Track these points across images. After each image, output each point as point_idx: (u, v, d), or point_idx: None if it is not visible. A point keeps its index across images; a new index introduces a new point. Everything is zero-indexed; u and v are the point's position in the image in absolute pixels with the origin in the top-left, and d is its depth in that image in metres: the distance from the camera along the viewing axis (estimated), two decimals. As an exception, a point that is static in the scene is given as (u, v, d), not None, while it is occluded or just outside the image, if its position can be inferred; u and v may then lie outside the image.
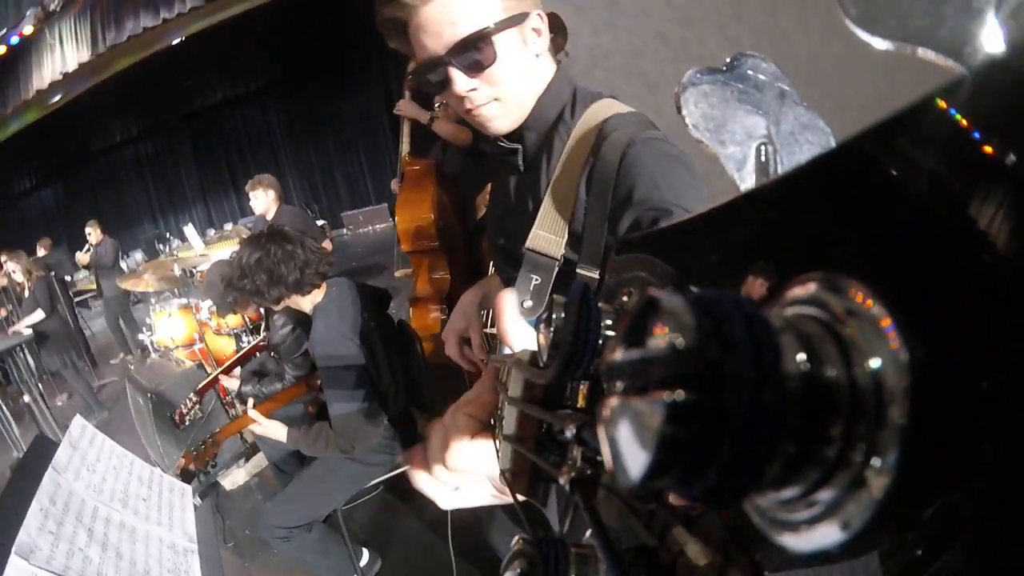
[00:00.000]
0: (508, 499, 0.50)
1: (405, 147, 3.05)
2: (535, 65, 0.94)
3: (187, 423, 2.61)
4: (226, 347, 3.99)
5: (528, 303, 0.91)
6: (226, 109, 13.76)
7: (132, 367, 6.07)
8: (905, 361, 0.14)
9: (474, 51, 0.85)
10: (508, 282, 1.04)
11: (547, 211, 0.92)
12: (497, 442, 0.41)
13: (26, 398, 4.77)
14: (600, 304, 0.27)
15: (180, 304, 4.59)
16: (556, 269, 0.91)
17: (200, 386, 2.68)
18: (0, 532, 0.95)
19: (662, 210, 0.79)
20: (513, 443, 0.38)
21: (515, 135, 0.98)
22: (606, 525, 0.24)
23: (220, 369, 2.72)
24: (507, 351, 0.48)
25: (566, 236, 0.90)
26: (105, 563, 1.03)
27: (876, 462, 0.14)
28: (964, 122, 0.14)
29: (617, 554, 0.22)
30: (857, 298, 0.16)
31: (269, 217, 4.05)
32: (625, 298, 0.29)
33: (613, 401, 0.18)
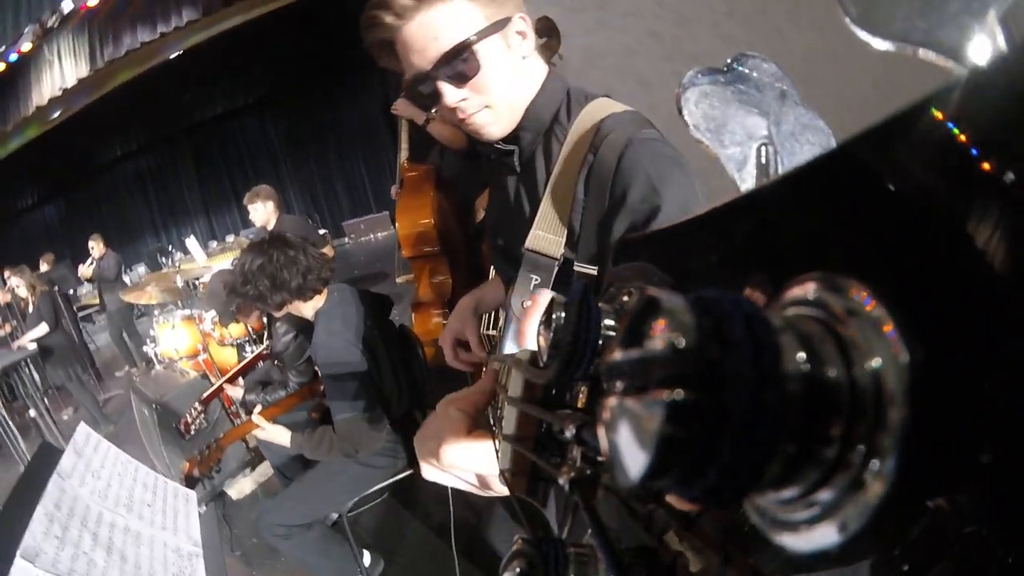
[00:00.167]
0: (491, 492, 0.52)
1: (404, 153, 3.06)
2: (523, 68, 0.94)
3: (192, 433, 2.61)
4: (230, 357, 4.00)
5: (528, 303, 0.91)
6: (226, 121, 13.81)
7: (137, 379, 6.08)
8: (905, 362, 0.14)
9: (459, 62, 0.86)
10: (508, 283, 1.04)
11: (546, 211, 0.92)
12: (497, 442, 0.41)
13: (32, 412, 4.79)
14: (600, 304, 0.26)
15: (183, 315, 4.60)
16: (556, 269, 0.91)
17: (205, 396, 2.69)
18: (6, 536, 0.96)
19: (656, 210, 0.80)
20: (513, 443, 0.38)
21: (511, 137, 0.98)
22: (606, 525, 0.24)
23: (224, 378, 2.72)
24: (507, 351, 0.48)
25: (565, 236, 0.90)
26: (110, 567, 1.04)
27: (875, 463, 0.14)
28: (962, 137, 0.14)
29: (617, 554, 0.22)
30: (857, 298, 0.15)
31: (270, 228, 4.05)
32: (625, 298, 0.29)
33: (613, 401, 0.18)
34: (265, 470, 3.42)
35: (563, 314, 0.28)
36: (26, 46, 9.04)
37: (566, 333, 0.26)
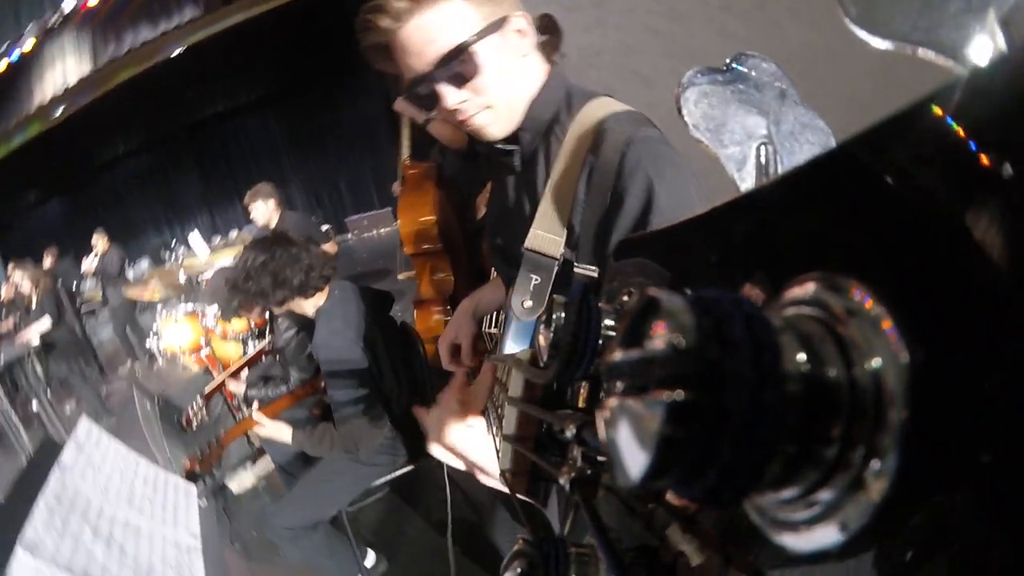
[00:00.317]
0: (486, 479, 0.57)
1: (405, 151, 3.06)
2: (523, 67, 0.93)
3: (194, 427, 2.62)
4: (232, 352, 4.00)
5: (528, 303, 0.90)
6: (228, 118, 13.81)
7: (139, 373, 6.09)
8: (905, 361, 0.14)
9: (457, 64, 0.86)
10: (508, 282, 1.04)
11: (545, 211, 0.92)
12: (497, 442, 0.41)
13: (35, 405, 4.80)
14: (600, 304, 0.26)
15: (186, 310, 4.60)
16: (556, 269, 0.90)
17: (207, 390, 2.69)
18: (7, 527, 0.97)
19: (652, 210, 0.80)
20: (513, 443, 0.38)
21: (511, 136, 0.97)
22: (606, 525, 0.24)
23: (226, 373, 2.73)
24: (507, 351, 0.48)
25: (564, 236, 0.90)
26: (109, 559, 1.05)
27: (876, 463, 0.14)
28: (961, 132, 0.14)
29: (617, 554, 0.22)
30: (857, 298, 0.15)
31: (272, 226, 4.05)
32: (625, 298, 0.29)
33: (613, 401, 0.18)
34: (266, 464, 3.43)
35: (563, 314, 0.28)
36: (28, 45, 9.05)
37: (566, 333, 0.26)
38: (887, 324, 0.15)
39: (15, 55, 9.15)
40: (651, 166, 0.82)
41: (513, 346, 0.93)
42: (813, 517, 0.15)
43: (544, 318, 0.30)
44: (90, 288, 9.51)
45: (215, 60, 10.49)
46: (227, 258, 4.94)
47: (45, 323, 5.31)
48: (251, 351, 3.06)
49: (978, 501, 0.13)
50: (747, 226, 0.23)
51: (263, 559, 2.72)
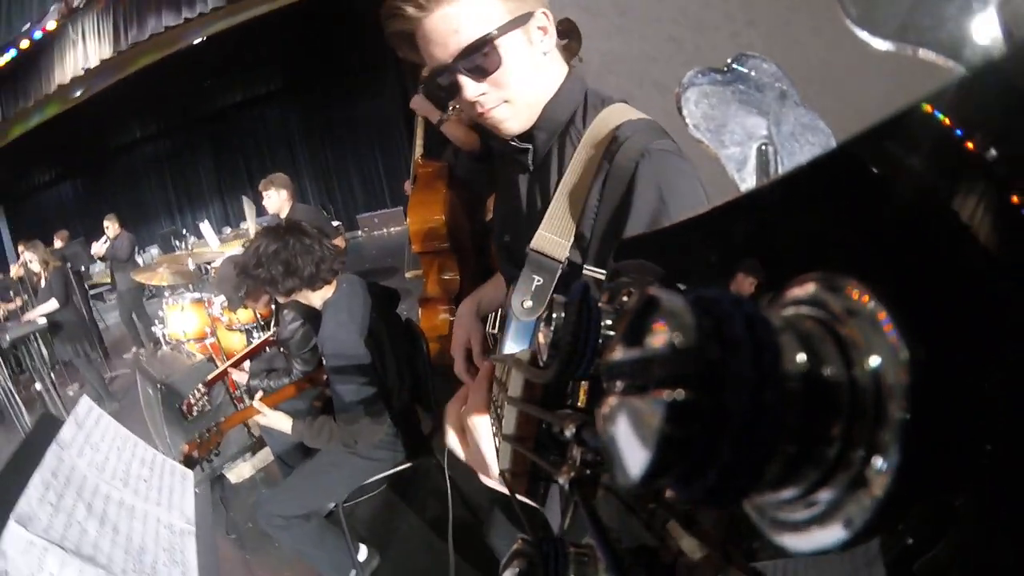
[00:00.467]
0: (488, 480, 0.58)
1: (418, 149, 3.08)
2: (544, 64, 0.94)
3: (195, 414, 2.63)
4: (237, 342, 4.02)
5: (528, 303, 0.91)
6: (245, 109, 13.91)
7: (144, 359, 6.13)
8: (905, 360, 0.14)
9: (480, 56, 0.86)
10: (511, 281, 1.04)
11: (555, 213, 0.92)
12: (497, 441, 0.41)
13: (38, 386, 4.84)
14: (600, 304, 0.26)
15: (193, 298, 4.63)
16: (559, 271, 0.91)
17: (209, 378, 2.71)
18: (1, 499, 0.97)
19: (661, 223, 0.80)
20: (513, 443, 0.38)
21: (526, 135, 0.98)
22: (606, 525, 0.24)
23: (230, 363, 2.74)
24: (507, 351, 0.48)
25: (572, 239, 0.90)
26: (102, 537, 1.05)
27: (877, 462, 0.14)
28: (947, 121, 0.14)
29: (617, 554, 0.22)
30: (856, 298, 0.15)
31: (283, 215, 4.08)
32: (625, 298, 0.29)
33: (613, 400, 0.18)
34: (265, 456, 3.44)
35: (563, 314, 0.28)
36: (51, 24, 9.15)
37: (566, 333, 0.26)
38: (887, 323, 0.15)
39: (37, 34, 9.25)
40: (663, 179, 0.83)
41: (513, 346, 0.93)
42: (813, 517, 0.15)
43: (544, 317, 0.30)
44: (99, 272, 9.60)
45: (236, 50, 10.60)
46: (237, 248, 4.97)
47: (52, 304, 5.36)
48: (255, 341, 3.08)
49: (978, 500, 0.13)
50: (747, 226, 0.23)
51: (258, 550, 2.73)
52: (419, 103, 2.90)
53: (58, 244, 8.07)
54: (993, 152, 0.13)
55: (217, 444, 2.15)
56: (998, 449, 0.13)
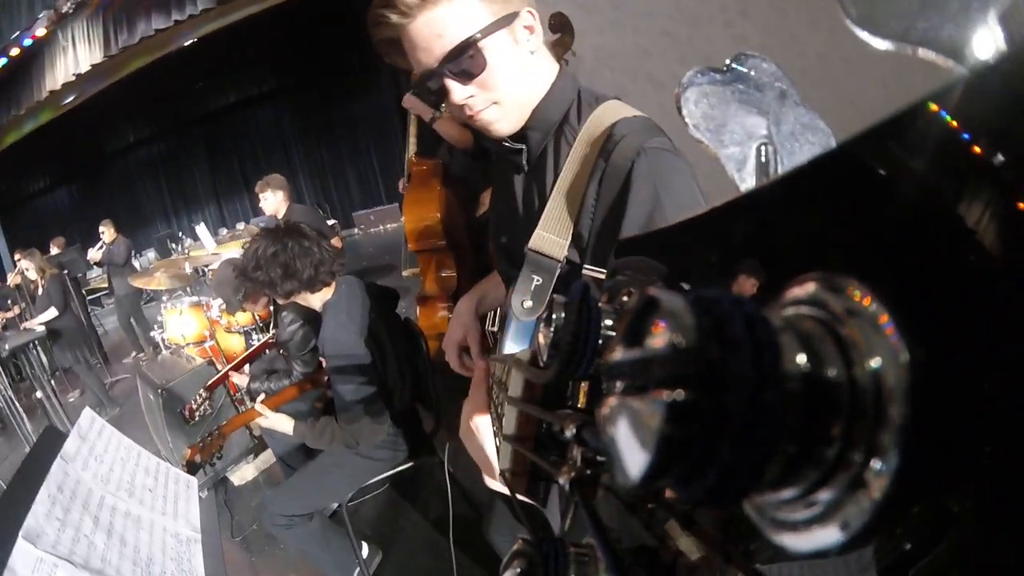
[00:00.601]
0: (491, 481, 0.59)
1: (412, 147, 3.07)
2: (531, 63, 0.93)
3: (197, 419, 2.63)
4: (236, 345, 4.02)
5: (528, 303, 0.91)
6: (238, 110, 13.87)
7: (143, 364, 6.13)
8: (905, 361, 0.14)
9: (465, 59, 0.86)
10: (509, 281, 1.04)
11: (552, 213, 0.92)
12: (497, 441, 0.41)
13: (38, 394, 4.83)
14: (600, 304, 0.26)
15: (191, 302, 4.62)
16: (558, 271, 0.91)
17: (210, 382, 2.71)
18: (8, 517, 0.97)
19: (656, 222, 0.81)
20: (513, 443, 0.38)
21: (519, 135, 0.97)
22: (606, 525, 0.24)
23: (230, 366, 2.74)
24: (507, 351, 0.48)
25: (570, 238, 0.90)
26: (110, 549, 1.05)
27: (876, 463, 0.14)
28: (954, 123, 0.14)
29: (617, 554, 0.22)
30: (857, 298, 0.15)
31: (280, 216, 4.08)
32: (625, 298, 0.29)
33: (613, 401, 0.18)
34: (267, 457, 3.44)
35: (563, 314, 0.28)
36: (40, 31, 9.09)
37: (566, 333, 0.26)
38: (887, 324, 0.15)
39: (27, 41, 9.19)
40: (659, 177, 0.83)
41: (513, 346, 0.93)
42: (813, 517, 0.15)
43: (544, 318, 0.30)
44: (96, 277, 9.57)
45: (227, 51, 10.55)
46: (233, 250, 4.96)
47: (51, 312, 5.35)
48: (255, 344, 3.07)
49: (977, 503, 0.13)
50: (747, 226, 0.23)
51: (263, 552, 2.74)
52: (412, 102, 2.89)
53: (54, 251, 8.06)
54: (1000, 157, 0.13)
55: (220, 448, 2.15)
56: (997, 452, 0.13)
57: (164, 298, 5.15)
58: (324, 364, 2.05)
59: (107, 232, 6.70)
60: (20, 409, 4.60)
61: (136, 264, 8.16)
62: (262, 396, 2.23)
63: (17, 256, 5.91)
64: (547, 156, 0.97)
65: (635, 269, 0.30)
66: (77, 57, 8.93)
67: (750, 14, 1.89)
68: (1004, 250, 0.13)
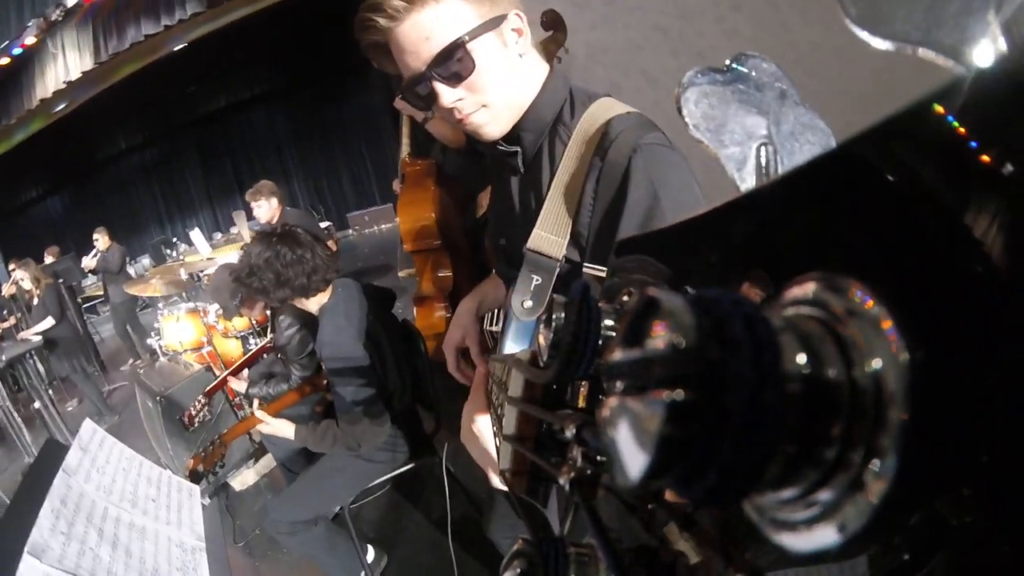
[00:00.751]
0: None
1: (405, 148, 3.06)
2: (520, 66, 0.93)
3: (196, 425, 2.63)
4: (234, 350, 4.01)
5: (528, 303, 0.91)
6: (230, 114, 13.83)
7: (141, 371, 6.13)
8: (905, 362, 0.14)
9: (452, 62, 0.86)
10: (509, 282, 1.04)
11: (550, 212, 0.92)
12: (497, 441, 0.41)
13: (36, 404, 4.82)
14: (600, 304, 0.26)
15: (188, 308, 4.61)
16: (557, 270, 0.91)
17: (208, 388, 2.70)
18: (13, 532, 0.97)
19: (655, 218, 0.81)
20: (513, 443, 0.38)
21: (513, 138, 0.97)
22: (606, 525, 0.24)
23: (228, 371, 2.74)
24: (507, 351, 0.48)
25: (568, 237, 0.90)
26: (115, 562, 1.05)
27: (875, 463, 0.14)
28: (962, 130, 0.14)
29: (617, 554, 0.22)
30: (857, 298, 0.15)
31: (274, 223, 4.06)
32: (625, 298, 0.29)
33: (613, 401, 0.18)
34: (268, 462, 3.44)
35: (563, 314, 0.28)
36: (30, 40, 9.04)
37: (566, 333, 0.26)
38: (887, 324, 0.15)
39: (17, 50, 9.14)
40: (655, 173, 0.83)
41: (513, 346, 0.93)
42: (812, 517, 0.15)
43: (544, 318, 0.30)
44: (91, 284, 9.54)
45: (218, 55, 10.52)
46: (228, 254, 4.95)
47: (48, 322, 5.33)
48: (252, 349, 3.07)
49: (978, 501, 0.13)
50: (747, 226, 0.23)
51: (267, 556, 2.74)
52: (403, 103, 2.88)
53: (49, 260, 8.03)
54: (1010, 167, 0.13)
55: (222, 456, 2.15)
56: (997, 454, 0.13)
57: (160, 304, 5.13)
58: (323, 367, 2.04)
59: (101, 239, 6.67)
60: (19, 420, 4.58)
61: (131, 271, 8.13)
62: (256, 403, 2.23)
63: (11, 266, 5.88)
64: (542, 156, 0.97)
65: (636, 267, 0.30)
66: (67, 64, 8.89)
67: (742, 7, 1.89)
68: (1005, 252, 0.13)
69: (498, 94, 0.91)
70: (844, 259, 0.17)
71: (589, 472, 0.28)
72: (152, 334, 5.11)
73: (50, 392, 5.17)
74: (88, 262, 7.16)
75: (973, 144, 0.14)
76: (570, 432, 0.29)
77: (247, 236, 4.42)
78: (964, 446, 0.13)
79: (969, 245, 0.14)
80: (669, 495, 0.24)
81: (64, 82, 8.98)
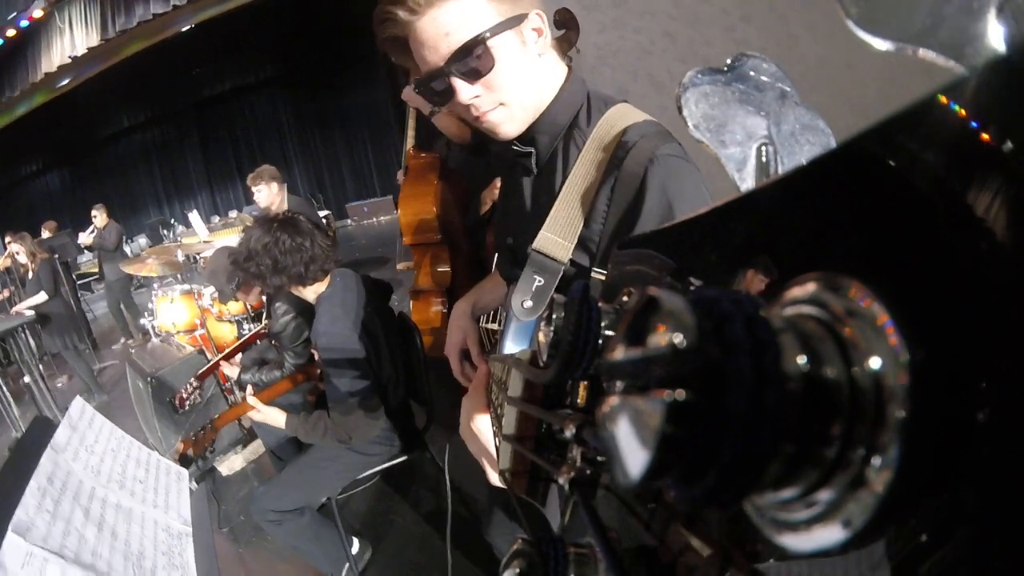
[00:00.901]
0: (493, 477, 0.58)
1: (410, 140, 3.05)
2: (539, 66, 0.93)
3: (186, 408, 2.61)
4: (227, 334, 4.00)
5: (528, 303, 0.91)
6: (234, 98, 13.77)
7: (133, 351, 6.10)
8: (905, 361, 0.14)
9: (472, 59, 0.85)
10: (511, 281, 1.04)
11: (559, 215, 0.91)
12: (497, 441, 0.41)
13: (26, 379, 4.79)
14: (600, 304, 0.26)
15: (183, 290, 4.59)
16: (561, 273, 0.90)
17: (200, 371, 2.69)
18: None
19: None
20: (513, 443, 0.38)
21: (528, 138, 0.97)
22: (606, 525, 0.24)
23: (221, 355, 2.72)
24: (507, 351, 0.48)
25: (575, 242, 0.90)
26: (100, 543, 1.03)
27: (876, 461, 0.14)
28: (963, 112, 0.14)
29: (617, 554, 0.22)
30: (857, 298, 0.15)
31: (275, 208, 4.03)
32: (625, 297, 0.29)
33: (613, 400, 0.18)
34: (256, 448, 3.43)
35: (563, 314, 0.28)
36: (37, 12, 8.98)
37: (566, 333, 0.26)
38: (887, 324, 0.15)
39: (24, 22, 9.08)
40: (671, 185, 0.83)
41: (512, 346, 0.93)
42: (813, 517, 0.15)
43: (544, 317, 0.30)
44: (86, 261, 9.49)
45: (225, 38, 10.47)
46: (226, 238, 4.93)
47: (41, 296, 5.30)
48: (247, 334, 3.05)
49: (978, 501, 0.13)
50: (747, 226, 0.23)
51: (251, 543, 2.73)
52: (410, 95, 2.87)
53: (45, 235, 7.97)
54: (1009, 144, 0.13)
55: (212, 442, 2.14)
56: (997, 450, 0.13)
57: (155, 285, 5.11)
58: (317, 357, 2.03)
59: (99, 217, 6.64)
60: (7, 394, 4.56)
61: (127, 250, 8.09)
62: (250, 389, 2.22)
63: (7, 239, 5.83)
64: (556, 159, 0.97)
65: (639, 260, 0.30)
66: (74, 40, 8.84)
67: (752, 19, 1.89)
68: (1004, 244, 0.13)
69: (516, 93, 0.91)
70: (844, 258, 0.17)
71: (589, 472, 0.28)
72: (146, 314, 5.09)
73: (41, 368, 5.14)
74: (85, 238, 7.13)
75: (973, 124, 0.14)
76: (570, 432, 0.29)
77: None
78: (965, 443, 0.13)
79: (971, 240, 0.14)
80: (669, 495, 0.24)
81: (70, 57, 8.94)
